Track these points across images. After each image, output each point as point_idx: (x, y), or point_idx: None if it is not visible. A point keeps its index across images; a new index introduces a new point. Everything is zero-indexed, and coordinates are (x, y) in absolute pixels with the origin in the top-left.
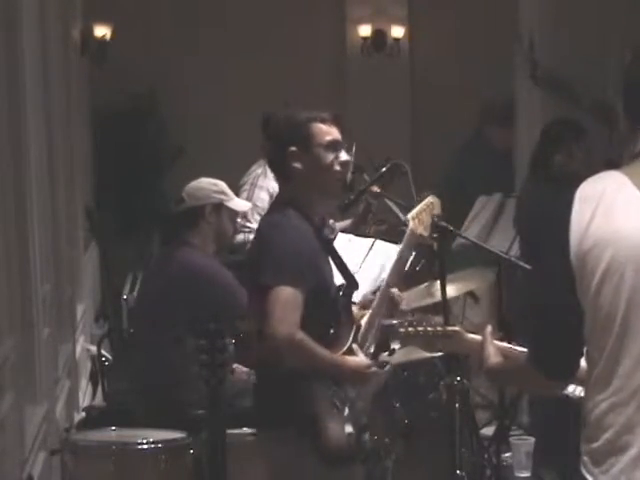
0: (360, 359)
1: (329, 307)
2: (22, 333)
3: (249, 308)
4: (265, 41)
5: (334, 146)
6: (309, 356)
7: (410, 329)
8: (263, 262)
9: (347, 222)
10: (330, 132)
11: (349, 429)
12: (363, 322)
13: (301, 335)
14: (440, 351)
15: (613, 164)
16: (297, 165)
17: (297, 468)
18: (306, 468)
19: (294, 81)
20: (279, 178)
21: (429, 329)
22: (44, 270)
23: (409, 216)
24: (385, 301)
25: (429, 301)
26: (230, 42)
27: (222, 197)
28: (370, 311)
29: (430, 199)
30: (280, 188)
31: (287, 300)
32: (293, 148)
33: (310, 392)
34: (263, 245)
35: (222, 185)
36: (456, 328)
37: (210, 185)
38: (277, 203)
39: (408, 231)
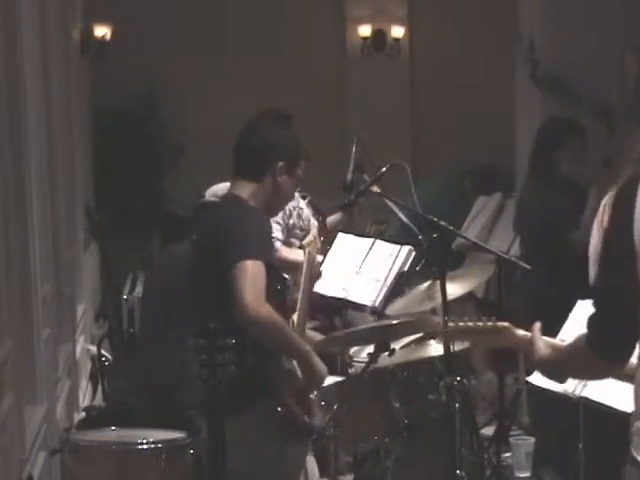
0: (320, 363)
1: (278, 291)
2: (22, 333)
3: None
4: (265, 41)
5: (299, 183)
6: (277, 326)
7: (460, 324)
8: (228, 241)
9: (336, 216)
10: (303, 170)
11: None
12: (294, 318)
13: (268, 306)
14: (489, 346)
15: (611, 163)
16: (278, 178)
17: (258, 438)
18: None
19: (294, 81)
20: (251, 178)
21: (479, 324)
22: (44, 270)
23: (304, 243)
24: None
25: (430, 305)
26: (230, 42)
27: None
28: (297, 311)
29: (313, 233)
30: (244, 185)
31: (254, 272)
32: (282, 164)
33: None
34: (223, 228)
35: None
36: (505, 324)
37: None
38: (239, 199)
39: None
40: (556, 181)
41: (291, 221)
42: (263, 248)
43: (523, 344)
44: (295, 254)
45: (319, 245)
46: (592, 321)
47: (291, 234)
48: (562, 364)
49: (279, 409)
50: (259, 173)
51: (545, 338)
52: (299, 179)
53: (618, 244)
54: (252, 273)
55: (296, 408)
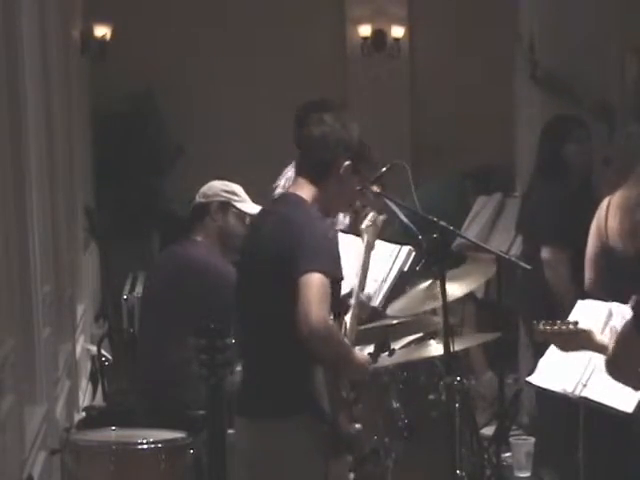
0: (364, 355)
1: (338, 300)
2: (22, 333)
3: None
4: (265, 41)
5: (364, 182)
6: (337, 342)
7: (547, 327)
8: (297, 251)
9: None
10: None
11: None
12: (348, 320)
13: (332, 321)
14: (574, 350)
15: (611, 163)
16: (345, 178)
17: (303, 457)
18: (313, 457)
19: (294, 81)
20: (315, 178)
21: (563, 327)
22: (44, 270)
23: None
24: (360, 304)
25: (432, 305)
26: (230, 42)
27: (230, 197)
28: (351, 312)
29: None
30: (305, 186)
31: (322, 286)
32: (348, 163)
33: (321, 381)
34: (294, 235)
35: (234, 187)
36: (586, 328)
37: (221, 185)
38: (301, 199)
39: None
40: (565, 179)
41: None
42: (333, 264)
43: (601, 349)
44: None
45: (379, 226)
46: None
47: None
48: (621, 357)
49: (319, 421)
50: (324, 173)
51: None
52: (364, 177)
53: None
54: (320, 287)
55: (342, 422)
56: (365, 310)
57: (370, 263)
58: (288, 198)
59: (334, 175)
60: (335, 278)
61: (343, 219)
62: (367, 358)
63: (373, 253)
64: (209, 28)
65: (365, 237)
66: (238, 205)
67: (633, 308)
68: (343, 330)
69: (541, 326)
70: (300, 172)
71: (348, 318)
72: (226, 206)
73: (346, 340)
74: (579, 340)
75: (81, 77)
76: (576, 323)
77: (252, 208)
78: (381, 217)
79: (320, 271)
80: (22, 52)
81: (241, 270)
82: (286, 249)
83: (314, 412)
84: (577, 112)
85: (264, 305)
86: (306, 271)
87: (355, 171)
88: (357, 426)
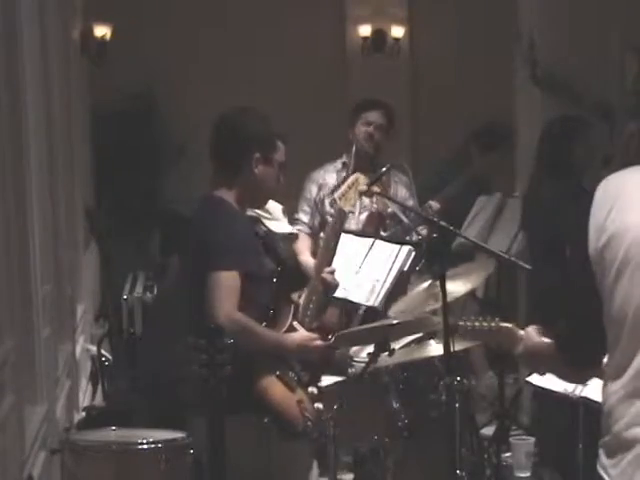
0: (304, 333)
1: (266, 290)
2: (22, 333)
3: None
4: (265, 41)
5: (283, 166)
6: (251, 333)
7: (468, 324)
8: (207, 251)
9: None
10: (284, 153)
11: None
12: (301, 301)
13: (239, 315)
14: (496, 347)
15: (612, 163)
16: (256, 170)
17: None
18: (257, 447)
19: (294, 81)
20: (229, 175)
21: (484, 324)
22: (44, 270)
23: (336, 196)
24: (319, 280)
25: (434, 305)
26: (230, 42)
27: (261, 213)
28: (306, 290)
29: (355, 176)
30: (223, 182)
31: (226, 283)
32: (258, 155)
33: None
34: (205, 237)
35: (271, 205)
36: (509, 325)
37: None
38: (216, 195)
39: (336, 210)
40: (574, 180)
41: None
42: (239, 258)
43: (525, 347)
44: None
45: (355, 197)
46: (561, 329)
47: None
48: (555, 368)
49: (265, 420)
50: (236, 169)
51: (543, 340)
52: (281, 164)
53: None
54: (224, 283)
55: (289, 407)
56: (330, 288)
57: (336, 246)
58: (208, 200)
59: (246, 169)
60: (247, 273)
61: (358, 215)
62: (306, 335)
63: (373, 253)
64: (209, 28)
65: (337, 205)
66: (267, 223)
67: (557, 341)
68: (295, 309)
69: (462, 323)
70: (215, 173)
71: (302, 298)
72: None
73: (263, 328)
74: (501, 336)
75: (81, 77)
76: (497, 319)
77: (280, 227)
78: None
79: (225, 268)
80: (22, 52)
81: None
82: (202, 251)
83: (256, 409)
84: (577, 112)
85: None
86: (212, 269)
87: (266, 162)
88: (316, 406)
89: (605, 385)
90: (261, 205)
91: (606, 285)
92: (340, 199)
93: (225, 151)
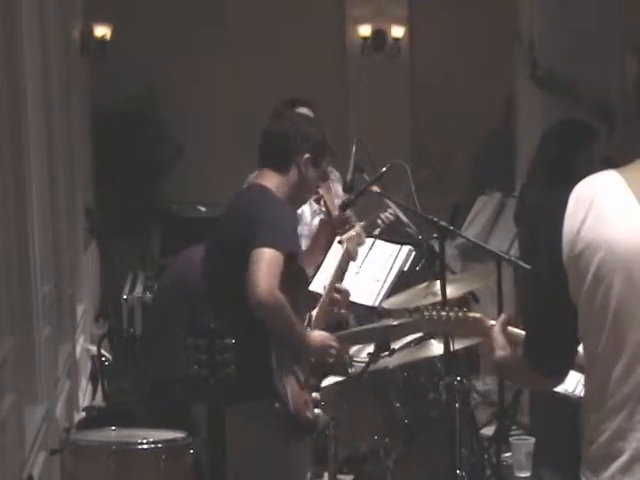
0: (325, 334)
1: (295, 275)
2: (22, 333)
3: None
4: (265, 41)
5: (325, 176)
6: (286, 316)
7: (434, 313)
8: (254, 230)
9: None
10: (327, 164)
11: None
12: (314, 313)
13: (280, 294)
14: (461, 337)
15: (612, 163)
16: (304, 170)
17: (263, 441)
18: (274, 440)
19: (294, 81)
20: (277, 168)
21: (451, 314)
22: (44, 270)
23: (343, 238)
24: (331, 296)
25: (430, 300)
26: (230, 42)
27: None
28: (320, 304)
29: (357, 230)
30: (266, 176)
31: (271, 261)
32: (309, 155)
33: (281, 366)
34: (253, 216)
35: None
36: (477, 315)
37: None
38: (265, 188)
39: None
40: (572, 185)
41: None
42: (286, 239)
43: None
44: None
45: (363, 241)
46: (528, 338)
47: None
48: (509, 371)
49: (276, 405)
50: (285, 164)
51: (513, 331)
52: (324, 174)
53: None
54: (270, 261)
55: (299, 406)
56: (337, 306)
57: (346, 272)
58: (252, 188)
59: (295, 166)
60: (289, 253)
61: (311, 220)
62: (327, 336)
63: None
64: (209, 28)
65: (345, 246)
66: None
67: (526, 354)
68: (308, 321)
69: (426, 313)
70: (263, 164)
71: (315, 311)
72: None
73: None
74: (468, 327)
75: (81, 77)
76: (464, 309)
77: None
78: (360, 226)
79: (271, 246)
80: (22, 52)
81: (210, 254)
82: (247, 230)
83: (273, 397)
84: (577, 112)
85: (228, 287)
86: (258, 245)
87: (315, 164)
88: (316, 411)
89: (586, 399)
90: (297, 207)
91: (581, 297)
92: (348, 240)
93: (279, 143)
